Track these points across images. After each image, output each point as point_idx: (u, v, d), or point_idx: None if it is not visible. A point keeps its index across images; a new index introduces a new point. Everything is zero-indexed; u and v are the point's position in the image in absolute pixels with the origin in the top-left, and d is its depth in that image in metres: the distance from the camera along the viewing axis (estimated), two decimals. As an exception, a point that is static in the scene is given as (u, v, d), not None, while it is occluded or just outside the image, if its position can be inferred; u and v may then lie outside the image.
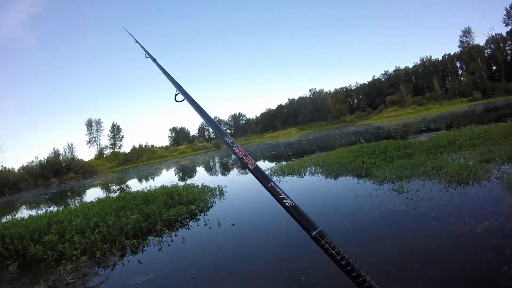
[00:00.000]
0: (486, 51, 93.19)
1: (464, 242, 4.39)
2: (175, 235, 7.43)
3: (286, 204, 0.57)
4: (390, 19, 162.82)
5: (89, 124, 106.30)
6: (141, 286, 4.93)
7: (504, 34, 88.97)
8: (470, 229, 4.75)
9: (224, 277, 4.92)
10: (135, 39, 2.76)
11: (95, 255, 6.76)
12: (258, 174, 0.69)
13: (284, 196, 0.59)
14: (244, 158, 0.69)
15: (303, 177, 12.49)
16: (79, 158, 79.14)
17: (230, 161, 32.42)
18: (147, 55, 2.28)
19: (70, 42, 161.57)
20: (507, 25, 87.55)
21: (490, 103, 57.38)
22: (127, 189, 21.53)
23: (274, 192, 0.64)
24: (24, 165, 64.16)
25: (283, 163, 18.49)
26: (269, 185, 0.62)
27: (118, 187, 26.50)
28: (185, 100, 1.34)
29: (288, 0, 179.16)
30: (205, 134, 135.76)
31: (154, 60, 2.04)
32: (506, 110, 31.82)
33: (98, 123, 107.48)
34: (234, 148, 0.75)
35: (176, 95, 1.40)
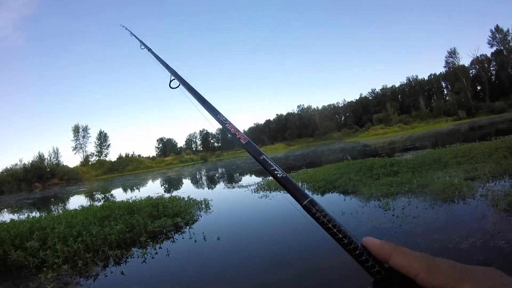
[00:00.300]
0: (471, 71, 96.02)
1: (450, 259, 4.42)
2: (160, 248, 7.33)
3: (278, 175, 0.58)
4: (379, 39, 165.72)
5: (76, 130, 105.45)
6: (124, 298, 4.86)
7: (488, 55, 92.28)
8: (455, 246, 4.81)
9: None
10: (131, 32, 2.78)
11: (77, 264, 6.63)
12: (250, 148, 0.72)
13: (276, 168, 0.62)
14: (237, 133, 0.72)
15: (289, 192, 12.40)
16: (64, 164, 78.45)
17: (217, 175, 32.33)
18: (142, 46, 2.31)
19: (61, 45, 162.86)
20: (491, 46, 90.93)
21: (475, 122, 58.38)
22: (112, 198, 21.33)
23: (266, 164, 0.65)
24: (8, 167, 63.15)
25: (270, 178, 18.37)
26: (261, 158, 0.66)
27: (103, 195, 26.21)
28: (180, 86, 1.33)
29: (280, 16, 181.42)
30: (193, 146, 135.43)
31: (149, 49, 2.07)
32: (490, 129, 32.39)
33: (85, 129, 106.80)
34: (226, 125, 0.81)
35: (170, 81, 1.41)
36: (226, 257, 6.28)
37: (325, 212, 0.56)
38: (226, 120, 0.83)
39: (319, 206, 0.56)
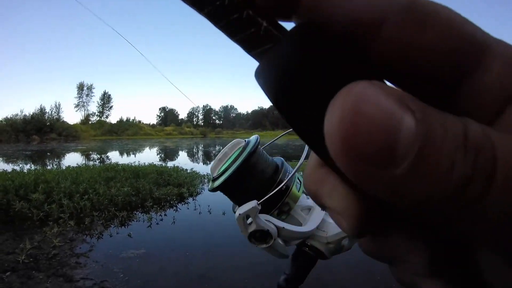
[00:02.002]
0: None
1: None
2: (165, 215, 7.39)
3: None
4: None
5: (81, 87, 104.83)
6: (133, 260, 4.90)
7: None
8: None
9: (216, 262, 4.93)
10: None
11: (84, 222, 6.68)
12: None
13: None
14: None
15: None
16: (64, 120, 78.38)
17: (215, 152, 32.37)
18: None
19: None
20: None
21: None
22: (109, 160, 21.31)
23: None
24: (8, 117, 63.04)
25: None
26: None
27: (101, 156, 26.22)
28: None
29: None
30: (194, 120, 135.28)
31: None
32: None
33: (90, 88, 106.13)
34: None
35: None
36: (232, 233, 6.32)
37: None
38: None
39: None
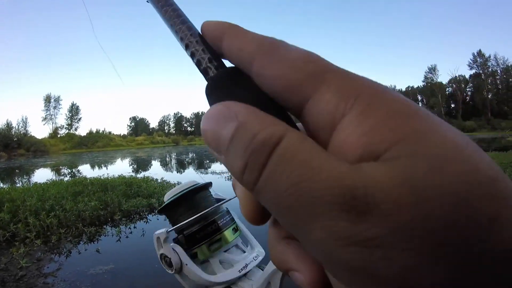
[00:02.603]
0: (447, 89, 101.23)
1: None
2: (134, 227, 7.35)
3: None
4: (365, 43, 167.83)
5: (48, 99, 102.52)
6: (101, 276, 4.87)
7: (467, 76, 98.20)
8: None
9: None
10: None
11: (50, 240, 6.58)
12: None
13: None
14: None
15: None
16: (32, 135, 76.62)
17: (187, 159, 32.29)
18: None
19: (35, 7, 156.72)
20: (471, 68, 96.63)
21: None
22: (81, 174, 21.02)
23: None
24: (-27, 133, 61.22)
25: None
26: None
27: (71, 171, 25.79)
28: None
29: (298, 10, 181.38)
30: (165, 128, 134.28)
31: None
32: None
33: (57, 100, 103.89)
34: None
35: None
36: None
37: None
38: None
39: None
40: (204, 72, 0.29)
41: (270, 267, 0.77)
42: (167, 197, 0.91)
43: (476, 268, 0.17)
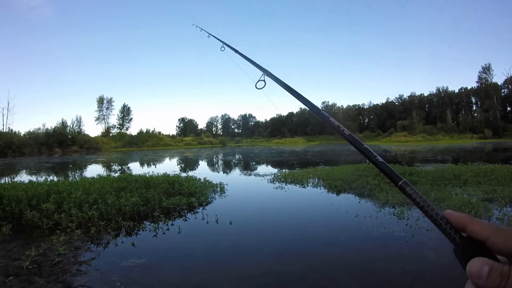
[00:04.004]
0: (503, 90, 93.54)
1: (456, 279, 4.35)
2: (172, 224, 7.43)
3: (379, 160, 0.73)
4: (414, 46, 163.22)
5: (101, 101, 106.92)
6: (132, 269, 4.93)
7: None
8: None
9: (215, 273, 4.92)
10: (209, 33, 2.78)
11: (90, 231, 6.79)
12: (352, 139, 0.82)
13: (376, 155, 0.74)
14: (340, 126, 0.85)
15: (305, 187, 12.48)
16: (85, 133, 79.65)
17: (234, 160, 32.47)
18: (223, 48, 2.31)
19: (89, 16, 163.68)
20: None
21: (500, 143, 57.26)
22: (129, 171, 21.65)
23: (367, 152, 0.76)
24: (31, 130, 64.25)
25: (286, 170, 18.48)
26: (363, 147, 0.77)
27: (120, 167, 26.60)
28: (265, 86, 1.39)
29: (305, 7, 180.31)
30: (213, 129, 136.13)
31: (236, 50, 2.07)
32: (515, 153, 31.64)
33: (110, 101, 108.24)
34: (330, 119, 0.90)
35: (257, 81, 1.41)
36: (236, 242, 6.32)
37: (416, 191, 0.65)
38: (329, 116, 0.89)
39: (411, 187, 0.66)
40: (449, 236, 0.57)
41: None
42: None
43: None
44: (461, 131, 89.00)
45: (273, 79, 1.31)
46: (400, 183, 0.68)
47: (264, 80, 1.38)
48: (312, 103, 1.00)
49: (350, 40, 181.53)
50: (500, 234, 0.51)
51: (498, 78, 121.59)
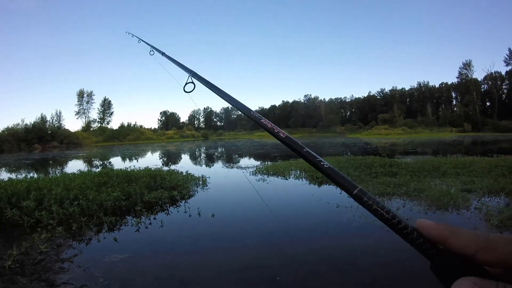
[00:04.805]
0: (482, 86, 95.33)
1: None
2: (154, 218, 7.42)
3: (324, 166, 0.61)
4: (397, 38, 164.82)
5: (81, 95, 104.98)
6: (115, 264, 4.93)
7: (503, 73, 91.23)
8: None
9: (198, 266, 4.94)
10: (139, 38, 2.81)
11: (71, 227, 6.73)
12: (290, 141, 0.72)
13: (321, 159, 0.63)
14: (274, 128, 0.74)
15: (287, 179, 12.57)
16: (66, 128, 78.37)
17: (216, 153, 32.43)
18: (152, 51, 2.31)
19: (70, 8, 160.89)
20: (507, 65, 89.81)
21: (479, 137, 58.28)
22: (110, 166, 21.46)
23: (310, 156, 0.67)
24: (9, 126, 63.03)
25: (268, 163, 18.57)
26: (304, 150, 0.68)
27: (102, 162, 26.33)
28: (194, 90, 1.34)
29: (292, 5, 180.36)
30: (195, 123, 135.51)
31: (163, 53, 2.07)
32: (493, 146, 32.33)
33: (90, 95, 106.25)
34: (262, 121, 0.80)
35: (185, 85, 1.36)
36: (218, 235, 6.36)
37: (376, 199, 0.56)
38: (260, 117, 0.83)
39: (369, 195, 0.56)
40: (424, 251, 0.49)
41: None
42: None
43: None
44: (441, 124, 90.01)
45: (201, 81, 1.27)
46: (355, 191, 0.57)
47: (193, 83, 1.36)
48: (243, 104, 0.94)
49: (332, 34, 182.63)
50: (492, 246, 0.44)
51: (478, 74, 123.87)
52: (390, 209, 0.54)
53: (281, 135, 0.75)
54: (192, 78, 1.36)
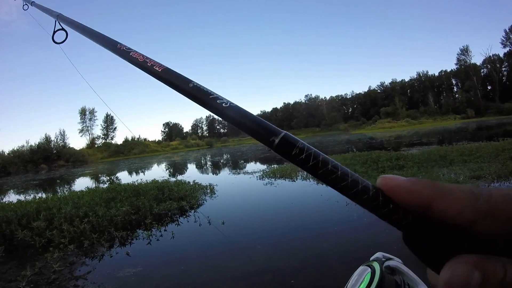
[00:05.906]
0: (482, 70, 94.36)
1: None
2: (165, 230, 7.43)
3: (223, 105, 0.42)
4: (391, 30, 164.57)
5: (83, 112, 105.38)
6: (129, 279, 4.94)
7: (501, 55, 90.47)
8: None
9: (211, 275, 4.94)
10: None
11: (83, 245, 6.76)
12: (170, 77, 0.50)
13: (217, 96, 0.44)
14: (148, 61, 0.49)
15: (294, 181, 12.55)
16: (71, 146, 78.82)
17: (222, 160, 32.44)
18: (26, 6, 1.74)
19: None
20: (504, 46, 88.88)
21: (483, 122, 57.87)
22: (118, 180, 21.51)
23: (200, 93, 0.45)
24: (15, 149, 63.48)
25: (275, 166, 18.54)
26: (190, 85, 0.46)
27: (109, 178, 26.39)
28: (67, 38, 1.07)
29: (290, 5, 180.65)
30: (198, 131, 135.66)
31: (32, 2, 1.56)
32: (498, 130, 32.09)
33: (92, 112, 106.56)
34: (131, 54, 0.60)
35: (54, 33, 1.10)
36: (230, 242, 6.35)
37: (313, 150, 0.36)
38: (129, 49, 0.64)
39: (302, 142, 0.36)
40: (389, 217, 0.33)
41: None
42: None
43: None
44: (444, 113, 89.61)
45: (72, 27, 0.99)
46: (277, 140, 0.37)
47: (63, 29, 1.10)
48: (111, 39, 0.73)
49: (326, 31, 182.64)
50: (497, 210, 0.30)
51: (477, 58, 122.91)
52: (336, 163, 0.35)
53: (157, 68, 0.54)
54: (60, 23, 1.10)
